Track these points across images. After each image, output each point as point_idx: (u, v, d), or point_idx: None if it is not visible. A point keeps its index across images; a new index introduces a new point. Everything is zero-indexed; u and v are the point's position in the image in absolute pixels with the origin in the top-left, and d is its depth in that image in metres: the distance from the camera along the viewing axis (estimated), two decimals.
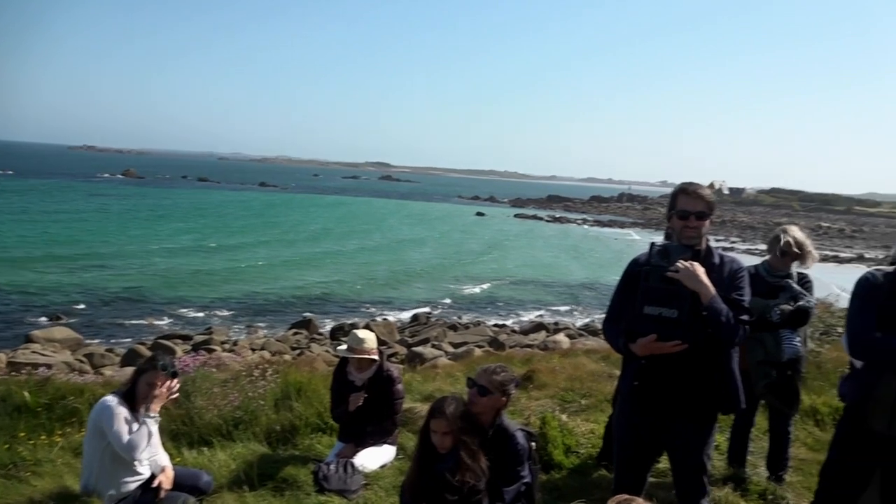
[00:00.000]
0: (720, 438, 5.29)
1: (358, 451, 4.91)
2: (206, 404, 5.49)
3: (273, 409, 5.72)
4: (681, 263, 3.13)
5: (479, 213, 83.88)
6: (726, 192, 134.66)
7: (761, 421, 5.15)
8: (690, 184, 3.37)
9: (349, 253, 42.32)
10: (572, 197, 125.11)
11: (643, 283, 3.19)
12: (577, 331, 22.49)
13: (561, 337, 20.17)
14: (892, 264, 3.59)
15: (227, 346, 18.67)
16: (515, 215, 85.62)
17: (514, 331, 23.17)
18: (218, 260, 35.86)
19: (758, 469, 4.91)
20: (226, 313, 24.58)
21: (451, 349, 18.68)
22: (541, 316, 26.91)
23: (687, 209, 3.26)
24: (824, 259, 50.32)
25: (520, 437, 3.63)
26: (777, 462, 4.82)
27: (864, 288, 3.27)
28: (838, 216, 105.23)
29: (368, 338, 5.09)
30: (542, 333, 22.02)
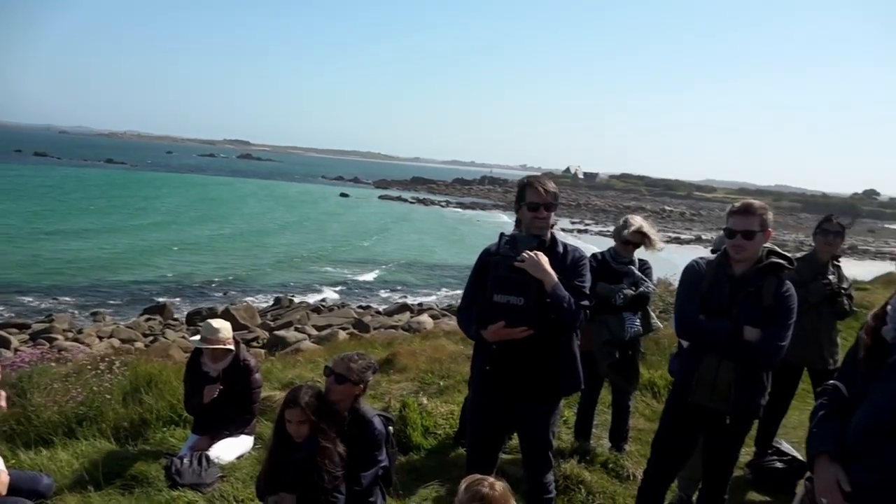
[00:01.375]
0: (568, 413, 5.63)
1: (213, 442, 4.79)
2: (45, 401, 5.14)
3: (121, 403, 5.45)
4: (526, 253, 3.29)
5: (343, 195, 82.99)
6: (581, 176, 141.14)
7: (605, 396, 5.52)
8: (537, 177, 3.54)
9: (207, 235, 40.46)
10: (436, 179, 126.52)
11: (493, 272, 3.34)
12: (441, 311, 22.91)
13: (424, 318, 20.47)
14: (713, 252, 3.96)
15: (70, 334, 17.43)
16: (380, 196, 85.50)
17: (378, 312, 23.24)
18: (58, 243, 33.21)
19: (602, 441, 5.27)
20: (69, 300, 22.87)
21: (314, 332, 18.47)
22: (405, 297, 27.16)
23: (536, 201, 3.42)
24: (668, 240, 54.14)
25: (377, 422, 3.69)
26: (618, 434, 5.20)
27: (689, 275, 3.60)
28: (680, 200, 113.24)
29: (223, 327, 4.95)
30: (406, 314, 22.23)
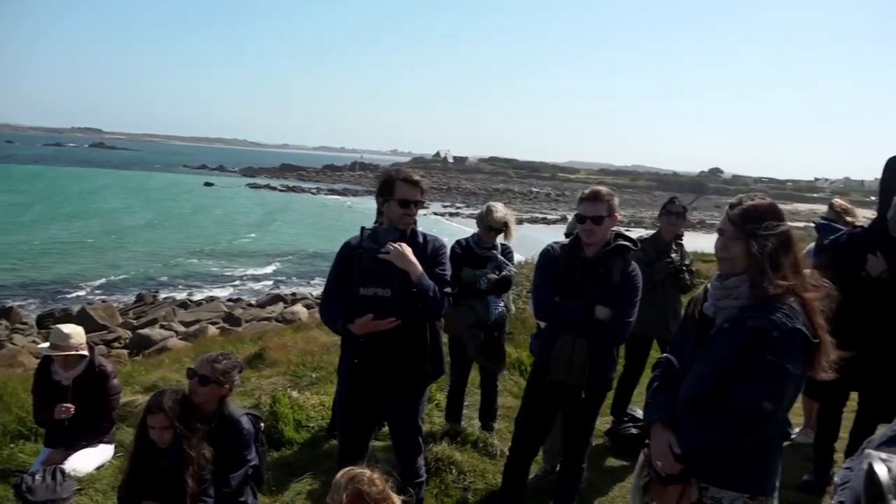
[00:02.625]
0: (440, 396, 5.77)
1: (69, 454, 4.53)
2: None
3: None
4: (391, 245, 3.34)
5: (208, 184, 79.61)
6: (451, 160, 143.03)
7: (475, 377, 5.69)
8: (407, 171, 3.57)
9: (58, 232, 37.65)
10: (306, 166, 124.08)
11: (357, 265, 3.36)
12: (315, 300, 22.62)
13: (299, 308, 20.13)
14: (567, 236, 4.18)
15: None
16: (248, 185, 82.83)
17: (250, 305, 22.63)
18: None
19: (473, 421, 5.45)
20: None
21: (182, 329, 17.74)
22: (278, 287, 26.58)
23: (408, 198, 3.45)
24: (534, 220, 56.18)
25: (245, 422, 3.64)
26: (488, 413, 5.40)
27: (544, 259, 3.79)
28: (546, 182, 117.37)
29: (75, 332, 4.67)
30: (280, 305, 21.79)
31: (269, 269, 30.92)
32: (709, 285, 2.48)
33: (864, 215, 5.64)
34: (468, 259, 5.05)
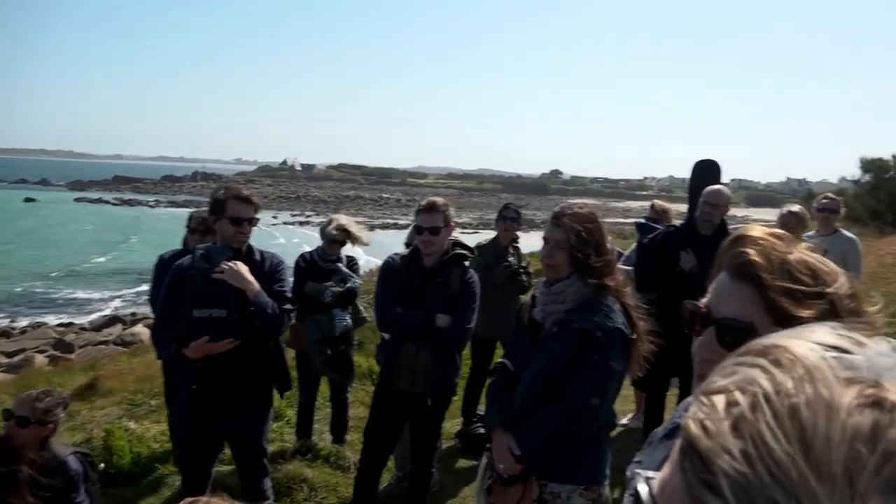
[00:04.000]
0: (290, 413, 5.66)
1: None
2: None
3: None
4: (225, 264, 3.25)
5: (29, 199, 72.93)
6: (299, 168, 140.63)
7: (325, 390, 5.64)
8: (239, 189, 3.48)
9: None
10: (142, 177, 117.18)
11: (190, 287, 3.24)
12: None
13: (139, 328, 18.90)
14: (407, 246, 4.26)
15: None
16: (76, 199, 76.85)
17: (84, 328, 21.00)
18: None
19: (324, 435, 5.39)
20: None
21: (3, 360, 16.15)
22: (116, 308, 24.87)
23: (240, 216, 3.36)
24: (386, 227, 56.46)
25: (72, 461, 3.38)
26: (339, 426, 5.37)
27: (385, 271, 3.83)
28: (396, 187, 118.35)
29: None
30: (118, 327, 20.39)
31: (104, 290, 28.85)
32: (536, 292, 2.62)
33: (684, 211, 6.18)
34: (312, 272, 5.00)
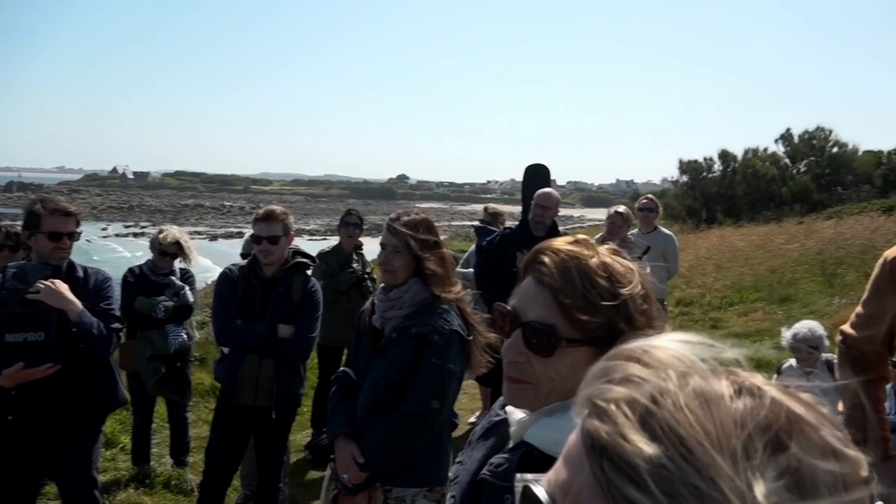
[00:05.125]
0: (124, 439, 5.31)
1: None
2: None
3: None
4: (41, 283, 2.99)
5: None
6: (131, 176, 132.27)
7: (163, 411, 5.34)
8: (57, 201, 3.20)
9: None
10: None
11: (0, 310, 2.95)
12: None
13: None
14: (243, 257, 4.14)
15: None
16: None
17: None
18: None
19: (163, 459, 5.11)
20: None
21: None
22: None
23: (58, 230, 3.10)
24: (230, 235, 54.29)
25: None
26: (179, 447, 5.10)
27: (222, 283, 3.70)
28: (238, 195, 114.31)
29: None
30: None
31: None
32: (375, 298, 2.65)
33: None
34: (143, 287, 4.72)
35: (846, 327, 2.09)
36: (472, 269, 5.49)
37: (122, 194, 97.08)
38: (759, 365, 7.38)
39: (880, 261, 1.92)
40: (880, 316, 1.89)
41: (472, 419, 5.93)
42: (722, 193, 27.99)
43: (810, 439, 0.46)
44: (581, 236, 1.26)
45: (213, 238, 46.00)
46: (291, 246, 3.77)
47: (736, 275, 12.45)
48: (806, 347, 5.07)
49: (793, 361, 5.25)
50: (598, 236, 5.28)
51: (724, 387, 0.48)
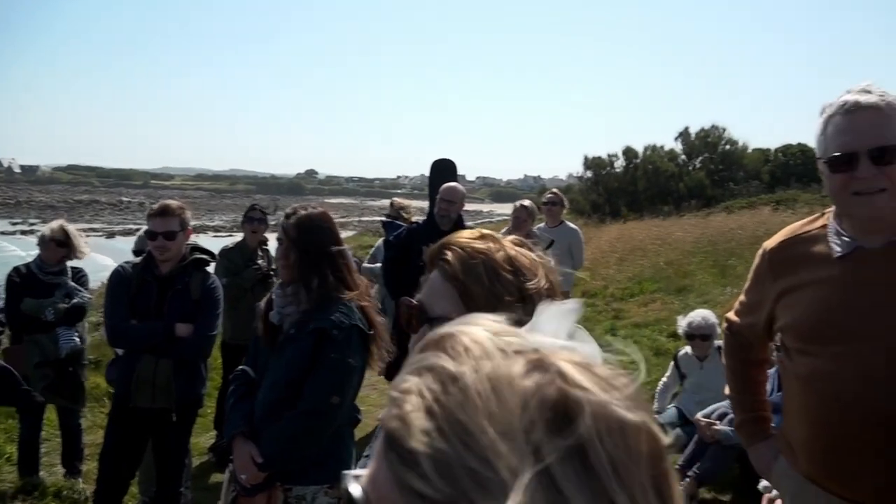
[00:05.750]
0: (10, 448, 5.00)
1: None
2: None
3: None
4: None
5: None
6: (18, 170, 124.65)
7: (54, 418, 5.06)
8: None
9: None
10: None
11: None
12: None
13: None
14: (136, 254, 3.97)
15: None
16: None
17: None
18: None
19: (54, 468, 4.83)
20: None
21: None
22: None
23: None
24: (128, 233, 52.01)
25: None
26: (71, 456, 4.83)
27: (115, 282, 3.53)
28: (137, 190, 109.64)
29: None
30: None
31: None
32: (273, 294, 2.59)
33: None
34: (31, 287, 4.44)
35: (731, 315, 2.19)
36: (380, 264, 5.47)
37: (7, 189, 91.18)
38: (659, 353, 7.73)
39: (760, 251, 2.03)
40: (760, 303, 2.00)
41: (381, 415, 5.90)
42: (624, 188, 29.06)
43: (596, 414, 0.47)
44: (486, 231, 1.26)
45: (111, 235, 43.94)
46: (189, 242, 3.64)
47: (637, 267, 12.94)
48: (700, 335, 5.32)
49: (688, 349, 5.51)
50: (504, 230, 5.36)
51: (517, 366, 0.49)
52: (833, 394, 1.76)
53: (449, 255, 1.17)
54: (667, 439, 0.50)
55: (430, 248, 1.24)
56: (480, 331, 0.53)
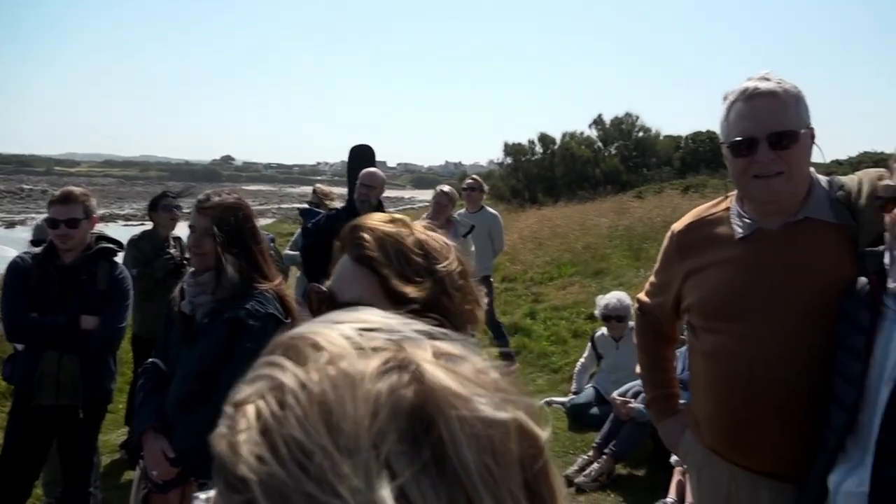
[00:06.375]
0: None
1: None
2: None
3: None
4: None
5: None
6: None
7: None
8: None
9: None
10: None
11: None
12: None
13: None
14: (35, 243, 3.76)
15: None
16: None
17: None
18: None
19: None
20: None
21: None
22: None
23: None
24: (31, 222, 49.35)
25: None
26: None
27: (14, 273, 3.34)
28: (40, 177, 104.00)
29: None
30: None
31: None
32: (184, 283, 2.50)
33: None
34: None
35: (642, 296, 2.26)
36: (299, 252, 5.37)
37: None
38: (577, 335, 7.91)
39: (668, 233, 2.09)
40: (669, 284, 2.06)
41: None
42: (542, 174, 29.56)
43: (459, 417, 0.43)
44: (397, 215, 1.25)
45: (11, 225, 41.55)
46: (95, 231, 3.47)
47: (555, 251, 13.17)
48: (615, 316, 5.48)
49: (604, 330, 5.67)
50: (424, 216, 5.36)
51: (372, 366, 0.44)
52: (735, 372, 1.84)
53: (359, 237, 1.15)
54: (544, 434, 0.47)
55: (340, 232, 1.22)
56: (342, 327, 0.48)
